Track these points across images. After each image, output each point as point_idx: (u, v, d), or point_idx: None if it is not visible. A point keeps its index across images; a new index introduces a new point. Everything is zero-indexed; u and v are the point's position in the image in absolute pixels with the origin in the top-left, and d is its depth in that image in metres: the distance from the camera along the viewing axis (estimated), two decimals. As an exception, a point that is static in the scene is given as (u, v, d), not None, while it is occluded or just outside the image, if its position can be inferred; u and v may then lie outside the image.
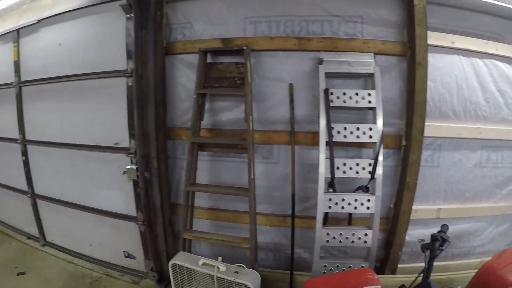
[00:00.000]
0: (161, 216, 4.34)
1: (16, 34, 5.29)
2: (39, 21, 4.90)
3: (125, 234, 4.73)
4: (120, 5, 3.97)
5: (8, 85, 5.53)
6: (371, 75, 3.73)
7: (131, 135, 4.21)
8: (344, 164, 3.68)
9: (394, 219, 4.00)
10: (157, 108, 4.10)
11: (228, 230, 4.28)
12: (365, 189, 3.69)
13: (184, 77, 4.23)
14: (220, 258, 3.54)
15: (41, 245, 5.82)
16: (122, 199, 4.59)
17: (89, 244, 5.21)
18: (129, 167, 4.19)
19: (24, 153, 5.57)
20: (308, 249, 4.17)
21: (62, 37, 4.77)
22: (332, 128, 3.64)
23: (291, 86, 3.90)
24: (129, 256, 4.81)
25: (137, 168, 4.15)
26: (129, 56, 4.08)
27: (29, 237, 6.12)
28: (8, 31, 5.37)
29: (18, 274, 5.06)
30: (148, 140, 4.14)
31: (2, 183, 6.34)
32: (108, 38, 4.35)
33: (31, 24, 4.99)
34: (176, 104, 4.31)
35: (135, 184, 4.31)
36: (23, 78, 5.35)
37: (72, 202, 5.11)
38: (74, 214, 5.14)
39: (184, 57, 4.20)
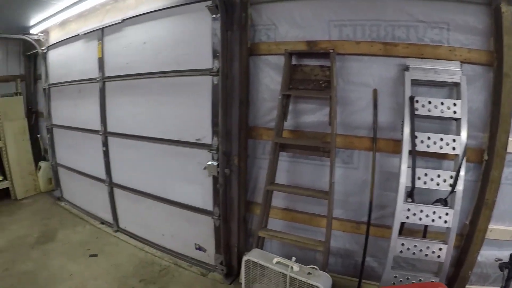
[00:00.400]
0: (237, 212, 4.13)
1: (101, 33, 5.21)
2: (123, 20, 4.77)
3: (198, 227, 4.53)
4: (206, 6, 3.75)
5: (92, 80, 5.47)
6: (457, 85, 3.30)
7: (214, 132, 4.00)
8: (426, 175, 3.28)
9: (469, 236, 3.52)
10: (240, 107, 3.88)
11: (300, 232, 3.95)
12: (443, 202, 3.27)
13: (268, 77, 3.96)
14: (294, 258, 3.25)
15: (113, 231, 5.75)
16: (200, 193, 4.38)
17: (161, 233, 5.04)
18: (210, 163, 3.97)
19: (105, 144, 5.50)
20: (377, 258, 3.83)
21: (147, 36, 4.61)
22: (416, 137, 3.26)
23: (375, 92, 3.52)
24: (200, 248, 4.60)
25: (218, 165, 3.93)
26: (215, 56, 3.86)
27: (103, 222, 6.07)
28: (92, 29, 5.30)
29: (91, 255, 5.02)
30: (231, 138, 3.94)
31: (82, 171, 6.32)
32: (193, 38, 4.13)
33: (116, 23, 4.87)
34: (258, 104, 4.06)
35: (215, 179, 4.09)
36: (107, 74, 5.27)
37: (150, 193, 4.97)
38: (150, 204, 5.01)
39: (268, 58, 3.93)
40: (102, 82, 5.29)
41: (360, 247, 3.72)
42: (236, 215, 4.12)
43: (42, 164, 7.79)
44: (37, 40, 6.85)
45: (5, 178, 7.33)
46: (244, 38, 3.82)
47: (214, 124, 3.98)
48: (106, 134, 5.44)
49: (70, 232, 5.80)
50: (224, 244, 4.19)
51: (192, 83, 4.18)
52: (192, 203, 4.47)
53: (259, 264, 3.32)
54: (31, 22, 6.48)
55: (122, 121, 5.18)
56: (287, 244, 3.88)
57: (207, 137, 4.10)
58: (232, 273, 4.32)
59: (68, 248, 5.26)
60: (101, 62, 5.29)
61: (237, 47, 3.79)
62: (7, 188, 7.35)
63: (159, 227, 5.05)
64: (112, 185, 5.59)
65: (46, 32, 6.71)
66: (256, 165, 4.20)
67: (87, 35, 5.47)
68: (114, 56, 5.12)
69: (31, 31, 6.76)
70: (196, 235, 4.61)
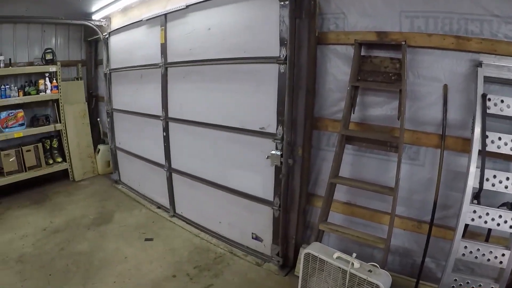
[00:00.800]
0: (297, 204, 4.15)
1: (164, 19, 5.33)
2: (187, 6, 4.86)
3: (257, 217, 4.59)
4: (274, -7, 3.77)
5: (154, 65, 5.63)
6: (531, 84, 3.19)
7: (279, 121, 4.02)
8: (494, 177, 3.16)
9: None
10: (307, 97, 3.89)
11: (359, 227, 3.95)
12: (510, 206, 3.14)
13: (335, 68, 3.95)
14: (354, 254, 3.21)
15: (169, 216, 5.92)
16: (260, 182, 4.44)
17: (218, 221, 5.16)
18: (273, 152, 4.03)
19: (166, 129, 5.65)
20: (436, 259, 3.75)
21: (211, 22, 4.68)
22: (487, 136, 3.15)
23: (445, 87, 3.44)
24: (256, 238, 4.67)
25: (281, 154, 3.98)
26: (282, 43, 3.87)
27: (159, 207, 6.26)
28: (155, 15, 5.44)
29: (146, 239, 5.19)
30: (296, 128, 3.96)
31: (141, 155, 6.55)
32: (260, 25, 4.16)
33: (179, 9, 4.98)
34: (325, 94, 4.06)
35: (277, 169, 4.13)
36: (169, 60, 5.40)
37: (209, 179, 5.09)
38: (208, 191, 5.12)
39: (336, 48, 3.92)
40: (165, 67, 5.44)
41: (419, 247, 3.70)
42: (297, 207, 4.16)
43: (101, 147, 8.13)
44: (99, 26, 7.12)
45: (64, 160, 7.68)
46: (312, 26, 3.82)
47: (279, 113, 4.00)
48: (167, 120, 5.59)
49: (126, 215, 6.03)
50: (282, 235, 4.25)
51: (257, 70, 4.24)
52: (251, 192, 4.54)
53: (319, 258, 3.30)
54: (93, 9, 6.77)
55: (184, 107, 5.32)
56: (346, 239, 3.88)
57: (271, 126, 4.14)
58: (287, 264, 4.38)
59: (124, 231, 5.47)
60: (163, 47, 5.42)
61: (305, 35, 3.80)
62: (66, 170, 7.71)
63: (216, 214, 5.17)
64: (171, 171, 5.76)
65: (108, 18, 6.96)
66: (320, 157, 4.21)
67: (150, 21, 5.62)
68: (177, 42, 5.23)
69: (93, 17, 7.05)
70: (253, 225, 4.68)
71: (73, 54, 8.26)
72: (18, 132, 6.81)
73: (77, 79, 8.25)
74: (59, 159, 7.64)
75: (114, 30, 6.84)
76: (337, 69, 3.93)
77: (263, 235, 4.59)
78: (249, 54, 4.24)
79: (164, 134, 5.68)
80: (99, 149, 8.14)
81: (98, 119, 8.53)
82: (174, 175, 5.76)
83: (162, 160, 5.87)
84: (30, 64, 7.25)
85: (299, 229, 4.28)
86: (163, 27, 5.37)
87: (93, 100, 8.62)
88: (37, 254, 4.78)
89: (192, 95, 5.16)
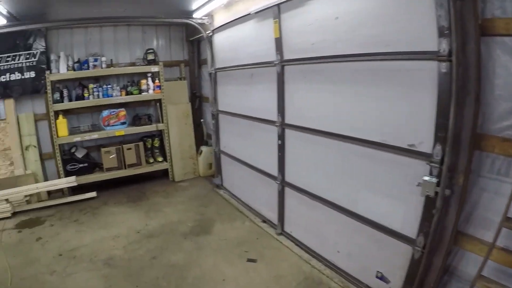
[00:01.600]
0: (446, 245, 3.11)
1: (277, 10, 4.70)
2: (308, -8, 4.15)
3: (386, 253, 3.65)
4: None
5: (267, 63, 5.03)
6: None
7: (438, 138, 2.98)
8: None
9: None
10: (475, 107, 2.83)
11: (509, 281, 2.85)
12: None
13: (504, 67, 2.80)
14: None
15: (276, 233, 5.31)
16: (400, 213, 3.45)
17: (336, 249, 4.31)
18: (427, 178, 2.98)
19: (281, 137, 4.99)
20: None
21: (339, 10, 3.79)
22: None
23: None
24: (382, 278, 3.73)
25: (437, 182, 2.94)
26: (441, 34, 2.85)
27: (264, 221, 5.73)
28: (266, 7, 4.84)
29: (249, 260, 4.62)
30: (459, 147, 2.91)
31: (248, 162, 6.15)
32: (403, 10, 3.17)
33: None
34: (492, 103, 2.90)
35: (428, 201, 3.11)
36: (286, 57, 4.71)
37: (330, 200, 4.23)
38: (328, 213, 4.28)
39: (505, 40, 2.77)
40: (281, 66, 4.76)
41: None
42: (444, 249, 3.13)
43: (203, 148, 8.14)
44: (201, 24, 6.98)
45: (165, 160, 7.82)
46: (476, 11, 2.75)
47: (439, 127, 2.96)
48: (283, 126, 4.92)
49: (227, 227, 5.59)
50: (418, 282, 3.28)
51: (401, 69, 3.25)
52: (385, 223, 3.59)
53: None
54: (193, 6, 6.60)
55: (304, 112, 4.55)
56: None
57: (424, 143, 3.11)
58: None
59: (224, 246, 5.01)
60: (278, 43, 4.77)
61: (471, 23, 2.74)
62: (166, 170, 7.84)
63: (334, 241, 4.32)
64: (283, 184, 5.11)
65: (210, 15, 6.79)
66: (478, 186, 3.06)
67: (259, 13, 5.07)
68: (295, 36, 4.51)
69: (194, 15, 6.93)
70: (380, 261, 3.75)
71: (175, 55, 8.49)
72: (120, 131, 7.12)
73: (180, 79, 8.38)
74: (160, 159, 7.79)
75: (217, 28, 6.60)
76: (507, 70, 2.81)
77: (391, 276, 3.65)
78: (391, 49, 3.29)
79: (279, 142, 5.03)
80: (201, 151, 8.13)
81: (202, 120, 8.53)
82: (287, 189, 5.08)
83: (273, 171, 5.26)
84: (132, 64, 7.61)
85: (439, 275, 3.24)
86: (277, 19, 4.72)
87: (197, 100, 8.72)
88: (126, 259, 4.67)
89: (315, 99, 4.33)
